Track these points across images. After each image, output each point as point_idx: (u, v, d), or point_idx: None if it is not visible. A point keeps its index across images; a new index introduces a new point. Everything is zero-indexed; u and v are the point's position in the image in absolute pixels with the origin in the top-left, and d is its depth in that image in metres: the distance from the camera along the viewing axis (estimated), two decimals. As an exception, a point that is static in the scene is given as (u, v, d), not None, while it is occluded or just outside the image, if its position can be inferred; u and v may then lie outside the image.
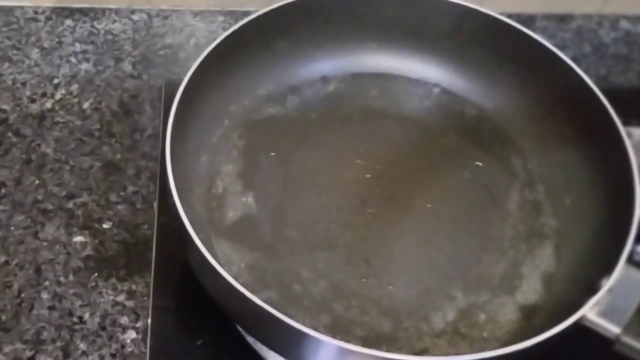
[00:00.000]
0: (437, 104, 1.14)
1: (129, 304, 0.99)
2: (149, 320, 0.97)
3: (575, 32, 1.36)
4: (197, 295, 0.92)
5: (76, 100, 1.17)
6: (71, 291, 0.99)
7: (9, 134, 1.12)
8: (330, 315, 0.93)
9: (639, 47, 1.35)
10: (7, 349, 0.94)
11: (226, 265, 0.94)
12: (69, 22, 1.27)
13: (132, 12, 1.29)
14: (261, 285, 0.94)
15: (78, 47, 1.24)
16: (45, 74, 1.20)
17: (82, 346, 0.95)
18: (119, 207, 1.07)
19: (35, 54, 1.22)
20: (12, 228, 1.04)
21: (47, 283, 1.00)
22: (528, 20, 1.35)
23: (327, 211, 1.01)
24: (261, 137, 1.06)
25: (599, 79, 1.28)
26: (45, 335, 0.96)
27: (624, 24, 1.37)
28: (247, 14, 1.06)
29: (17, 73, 1.20)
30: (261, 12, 1.04)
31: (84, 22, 1.27)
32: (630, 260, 0.87)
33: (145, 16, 1.29)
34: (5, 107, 1.15)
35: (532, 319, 0.95)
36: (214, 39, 1.00)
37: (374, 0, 1.11)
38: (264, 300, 0.80)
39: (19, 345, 0.95)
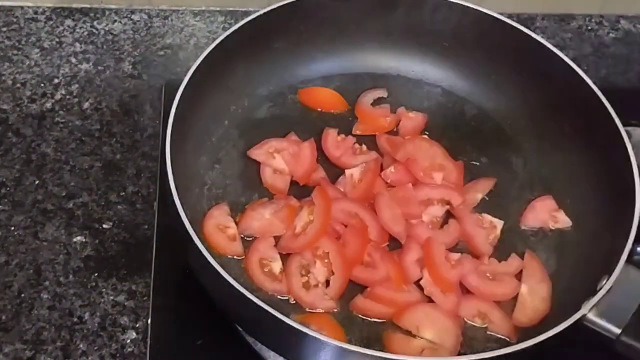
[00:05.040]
0: (437, 104, 1.14)
1: (129, 304, 0.99)
2: (149, 321, 0.97)
3: (575, 32, 1.36)
4: (197, 295, 0.93)
5: (76, 100, 1.17)
6: (71, 291, 1.00)
7: (9, 134, 1.13)
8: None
9: (639, 47, 1.35)
10: (7, 349, 0.94)
11: (226, 266, 0.94)
12: (69, 22, 1.27)
13: (132, 12, 1.29)
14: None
15: (78, 47, 1.24)
16: (45, 74, 1.20)
17: (82, 346, 0.96)
18: (119, 207, 1.07)
19: (35, 54, 1.22)
20: (12, 228, 1.04)
21: (47, 283, 1.00)
22: (528, 20, 1.35)
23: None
24: (261, 137, 1.06)
25: (599, 79, 1.28)
26: (45, 335, 0.96)
27: (624, 24, 1.37)
28: (247, 13, 1.07)
29: (17, 73, 1.20)
30: (261, 12, 1.04)
31: (84, 22, 1.27)
32: (630, 260, 0.87)
33: (145, 16, 1.29)
34: (5, 107, 1.16)
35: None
36: (214, 39, 1.00)
37: (373, 0, 1.11)
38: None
39: (19, 345, 0.95)
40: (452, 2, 1.08)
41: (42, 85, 1.19)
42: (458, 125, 1.12)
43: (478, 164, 1.08)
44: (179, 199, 0.87)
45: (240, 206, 1.00)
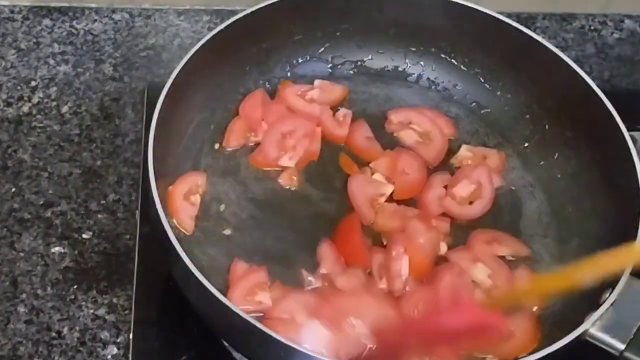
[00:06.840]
0: (434, 104, 1.14)
1: (110, 317, 0.99)
2: (131, 335, 0.97)
3: (577, 32, 1.36)
4: (181, 308, 0.93)
5: (54, 104, 1.17)
6: (49, 304, 0.99)
7: (-16, 139, 1.13)
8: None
9: (645, 48, 1.36)
10: (-19, 365, 0.95)
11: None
12: (47, 21, 1.27)
13: (113, 11, 1.29)
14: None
15: (56, 48, 1.24)
16: (22, 77, 1.20)
17: (61, 362, 0.96)
18: (100, 216, 1.07)
19: (11, 55, 1.22)
20: (-13, 238, 1.04)
21: (23, 296, 1.00)
22: (528, 19, 1.36)
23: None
24: (249, 142, 1.07)
25: (603, 82, 1.28)
26: (22, 350, 0.96)
27: (628, 24, 1.38)
28: (233, 12, 1.06)
29: (-8, 75, 1.20)
30: (248, 10, 1.04)
31: (63, 21, 1.27)
32: (635, 272, 0.87)
33: (126, 15, 1.29)
34: (-21, 111, 1.16)
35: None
36: (199, 39, 1.00)
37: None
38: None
39: (-7, 362, 0.95)
40: (450, 0, 1.08)
41: (19, 88, 1.18)
42: (457, 127, 1.12)
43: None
44: (163, 207, 0.87)
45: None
